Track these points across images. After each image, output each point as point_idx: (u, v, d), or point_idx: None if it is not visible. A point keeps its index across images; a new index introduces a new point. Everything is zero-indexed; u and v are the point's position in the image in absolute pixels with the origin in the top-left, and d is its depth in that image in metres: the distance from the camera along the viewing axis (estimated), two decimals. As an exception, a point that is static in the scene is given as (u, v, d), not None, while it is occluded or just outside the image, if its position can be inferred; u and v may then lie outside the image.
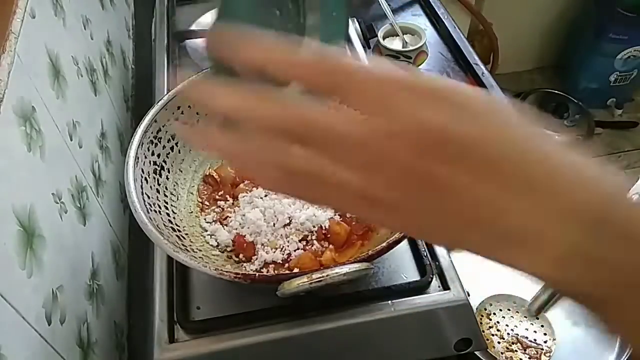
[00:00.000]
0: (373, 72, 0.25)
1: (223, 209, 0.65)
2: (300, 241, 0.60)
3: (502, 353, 0.70)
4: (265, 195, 0.64)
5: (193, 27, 0.97)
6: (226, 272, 0.48)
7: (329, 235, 0.60)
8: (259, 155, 0.26)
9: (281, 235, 0.61)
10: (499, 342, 0.71)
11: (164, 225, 0.56)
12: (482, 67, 1.01)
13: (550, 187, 0.24)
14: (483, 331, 0.71)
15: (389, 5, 1.05)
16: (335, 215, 0.62)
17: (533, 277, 0.25)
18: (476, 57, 1.03)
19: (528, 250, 0.25)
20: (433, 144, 0.24)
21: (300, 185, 0.26)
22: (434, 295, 0.56)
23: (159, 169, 0.62)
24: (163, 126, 0.63)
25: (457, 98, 0.25)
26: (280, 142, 0.25)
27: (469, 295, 0.56)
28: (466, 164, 0.24)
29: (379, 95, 0.24)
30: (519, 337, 0.71)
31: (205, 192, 0.66)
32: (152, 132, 0.61)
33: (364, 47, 0.88)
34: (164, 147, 0.63)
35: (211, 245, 0.60)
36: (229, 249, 0.61)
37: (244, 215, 0.62)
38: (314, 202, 0.33)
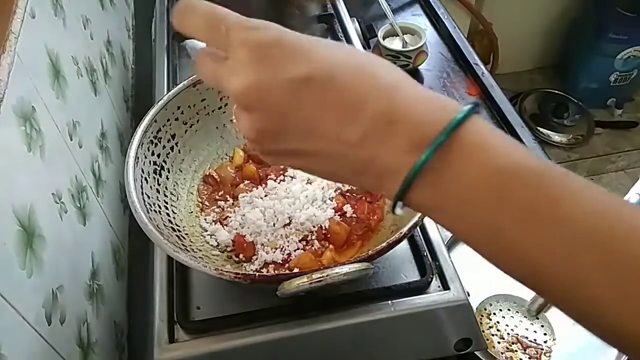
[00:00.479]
0: (243, 37, 0.30)
1: (223, 209, 0.65)
2: (300, 241, 0.60)
3: (502, 353, 0.70)
4: (265, 195, 0.64)
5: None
6: (226, 272, 0.48)
7: (329, 235, 0.60)
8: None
9: (281, 235, 0.61)
10: (499, 342, 0.71)
11: (164, 225, 0.56)
12: (482, 67, 1.01)
13: (392, 122, 0.29)
14: (483, 331, 0.71)
15: (389, 5, 1.05)
16: (335, 215, 0.62)
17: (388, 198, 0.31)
18: (476, 57, 1.03)
19: (383, 178, 0.30)
20: (294, 91, 0.29)
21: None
22: (434, 295, 0.56)
23: (159, 169, 0.62)
24: (163, 126, 0.63)
25: (300, 51, 0.30)
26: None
27: (469, 295, 0.56)
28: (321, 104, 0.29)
29: (248, 54, 0.30)
30: (519, 337, 0.71)
31: (205, 192, 0.66)
32: (152, 132, 0.61)
33: (364, 47, 0.88)
34: (164, 147, 0.63)
35: (211, 245, 0.60)
36: (229, 249, 0.61)
37: (244, 215, 0.62)
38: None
